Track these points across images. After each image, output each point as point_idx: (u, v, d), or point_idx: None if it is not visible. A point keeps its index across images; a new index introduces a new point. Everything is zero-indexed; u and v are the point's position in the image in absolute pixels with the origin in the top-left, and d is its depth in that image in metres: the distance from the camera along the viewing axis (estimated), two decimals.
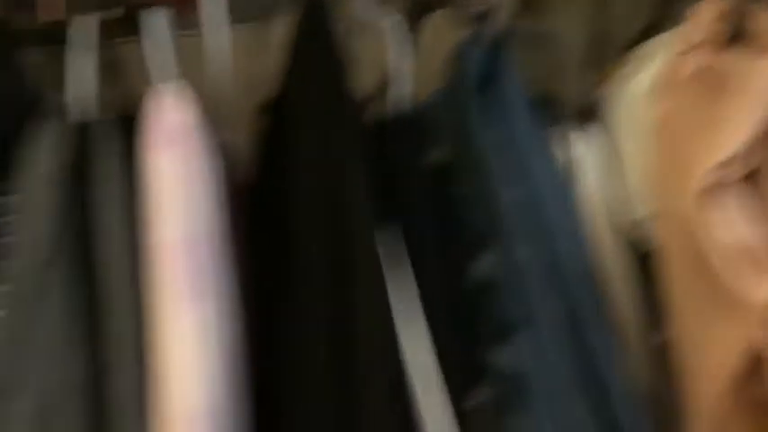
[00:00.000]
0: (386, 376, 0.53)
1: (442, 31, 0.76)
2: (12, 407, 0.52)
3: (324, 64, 0.59)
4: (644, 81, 0.65)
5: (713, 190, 0.53)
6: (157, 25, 0.63)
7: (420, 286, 0.58)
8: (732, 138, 0.52)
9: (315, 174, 0.58)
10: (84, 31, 0.62)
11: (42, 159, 0.58)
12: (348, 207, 0.56)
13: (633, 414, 0.56)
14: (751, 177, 0.54)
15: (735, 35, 0.61)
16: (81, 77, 0.61)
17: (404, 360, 0.54)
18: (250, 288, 0.62)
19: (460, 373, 0.57)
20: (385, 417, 0.52)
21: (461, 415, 0.57)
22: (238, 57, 0.70)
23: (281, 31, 0.68)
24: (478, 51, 0.61)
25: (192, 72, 0.66)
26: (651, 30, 0.79)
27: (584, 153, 0.67)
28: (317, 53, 0.60)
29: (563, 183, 0.62)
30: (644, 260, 0.64)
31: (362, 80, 0.65)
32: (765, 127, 0.53)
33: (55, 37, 0.67)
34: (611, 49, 0.79)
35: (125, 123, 0.62)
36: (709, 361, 0.54)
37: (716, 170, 0.52)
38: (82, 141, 0.59)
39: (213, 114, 0.67)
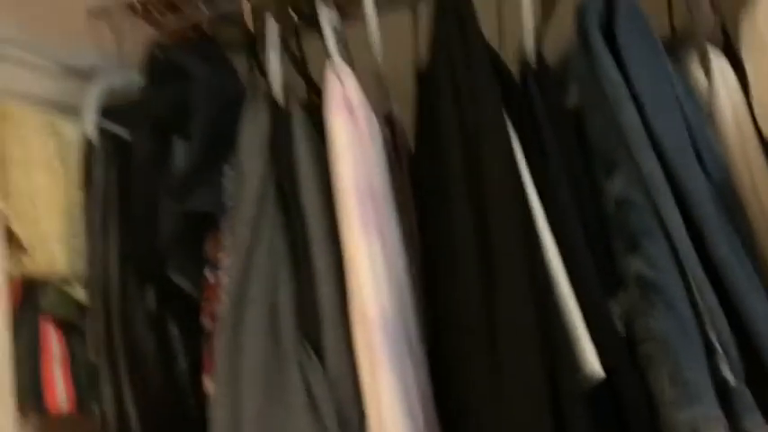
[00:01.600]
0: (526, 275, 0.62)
1: None
2: (245, 315, 0.70)
3: (463, 32, 0.69)
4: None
5: None
6: (330, 19, 0.78)
7: (559, 208, 0.67)
8: None
9: (463, 120, 0.68)
10: (273, 33, 0.78)
11: (253, 135, 0.76)
12: (490, 146, 0.65)
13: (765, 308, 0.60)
14: None
15: None
16: (275, 70, 0.77)
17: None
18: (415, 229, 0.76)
19: (599, 278, 0.65)
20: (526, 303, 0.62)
21: (608, 321, 0.65)
22: (393, 41, 0.83)
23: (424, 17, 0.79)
24: (599, 3, 0.68)
25: (360, 55, 0.80)
26: None
27: (718, 74, 0.70)
28: (456, 24, 0.70)
29: (692, 104, 0.67)
30: None
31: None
32: None
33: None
34: None
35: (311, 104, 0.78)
36: None
37: None
38: (281, 119, 0.76)
39: (379, 89, 0.81)
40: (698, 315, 0.60)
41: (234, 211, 0.75)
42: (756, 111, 0.68)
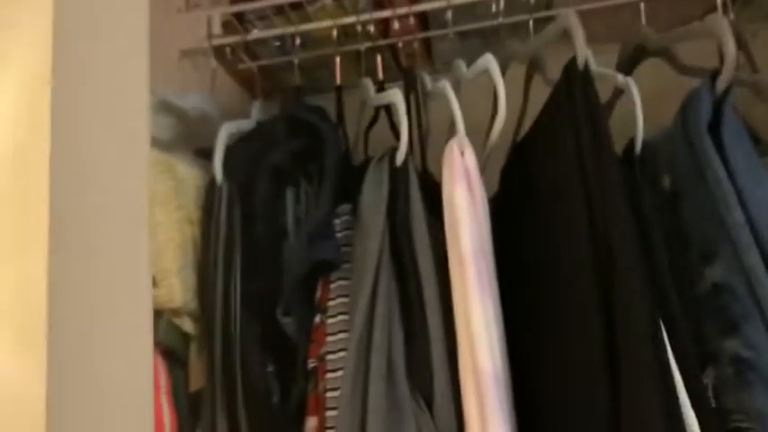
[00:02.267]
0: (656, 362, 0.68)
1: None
2: (371, 360, 0.76)
3: (588, 115, 0.77)
4: None
5: None
6: (444, 88, 0.86)
7: (661, 292, 0.74)
8: None
9: (579, 197, 0.76)
10: (400, 101, 0.86)
11: (375, 192, 0.83)
12: (615, 232, 0.71)
13: None
14: None
15: None
16: (405, 134, 0.85)
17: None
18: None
19: (697, 358, 0.73)
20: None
21: (700, 388, 0.72)
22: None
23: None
24: (710, 98, 0.77)
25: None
26: None
27: None
28: (581, 107, 0.78)
29: None
30: None
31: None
32: None
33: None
34: None
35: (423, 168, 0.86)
36: None
37: None
38: (400, 178, 0.83)
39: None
40: None
41: (357, 263, 0.81)
42: None
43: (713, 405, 0.72)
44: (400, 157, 0.84)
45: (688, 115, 0.78)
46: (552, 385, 0.75)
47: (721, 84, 0.77)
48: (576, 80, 0.76)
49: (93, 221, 0.40)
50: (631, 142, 0.83)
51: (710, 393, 0.73)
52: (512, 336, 0.78)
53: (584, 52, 0.76)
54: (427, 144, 0.99)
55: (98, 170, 0.41)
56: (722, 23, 0.79)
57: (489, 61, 0.82)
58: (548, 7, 1.09)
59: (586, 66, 0.76)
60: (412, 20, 1.24)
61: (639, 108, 0.80)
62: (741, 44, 1.00)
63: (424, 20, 1.18)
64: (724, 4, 0.97)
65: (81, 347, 0.37)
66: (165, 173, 0.91)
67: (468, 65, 0.91)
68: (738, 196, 0.73)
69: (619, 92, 0.91)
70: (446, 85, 0.84)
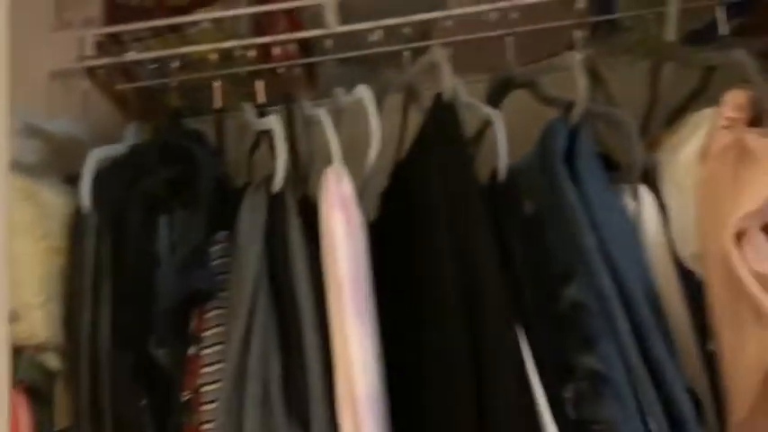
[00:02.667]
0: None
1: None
2: (247, 387, 0.75)
3: (450, 142, 0.81)
4: (693, 148, 0.85)
5: (743, 234, 0.73)
6: (321, 116, 0.88)
7: (522, 310, 0.79)
8: (752, 198, 0.72)
9: (444, 222, 0.79)
10: (279, 128, 0.87)
11: (252, 219, 0.83)
12: (476, 255, 0.76)
13: (690, 404, 0.74)
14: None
15: (759, 116, 0.81)
16: (282, 161, 0.85)
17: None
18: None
19: (556, 372, 0.77)
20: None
21: (560, 401, 0.77)
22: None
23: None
24: (565, 129, 0.83)
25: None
26: (692, 99, 0.99)
27: (647, 205, 0.87)
28: (443, 133, 0.82)
29: (629, 229, 0.82)
30: (697, 287, 0.83)
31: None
32: None
33: None
34: (658, 118, 1.00)
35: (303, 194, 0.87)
36: (742, 366, 0.73)
37: (742, 220, 0.72)
38: (277, 206, 0.84)
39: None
40: (639, 403, 0.73)
41: (232, 291, 0.80)
42: (675, 237, 0.85)
43: (573, 417, 0.77)
44: (277, 184, 0.84)
45: (545, 145, 0.84)
46: (424, 401, 0.77)
47: (575, 116, 0.83)
48: (442, 111, 0.80)
49: None
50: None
51: (570, 406, 0.78)
52: (394, 357, 0.80)
53: (450, 85, 0.80)
54: (312, 169, 1.00)
55: None
56: (574, 59, 0.85)
57: (362, 91, 0.85)
58: (424, 38, 1.13)
59: (453, 98, 0.80)
60: (293, 46, 1.26)
61: (503, 138, 0.85)
62: (598, 78, 1.10)
63: (307, 46, 1.19)
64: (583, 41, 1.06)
65: None
66: (27, 199, 0.87)
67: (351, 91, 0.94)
68: (591, 222, 0.79)
69: (487, 121, 0.97)
70: (322, 113, 0.86)
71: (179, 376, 0.82)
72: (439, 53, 0.83)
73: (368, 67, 1.18)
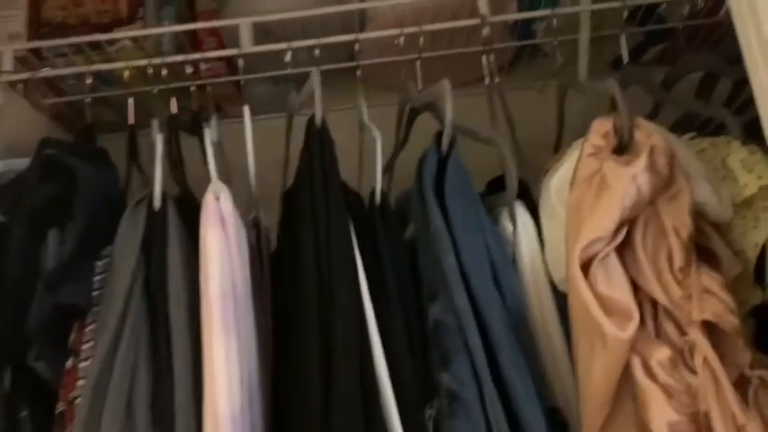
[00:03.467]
0: (357, 385, 0.75)
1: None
2: (105, 404, 0.77)
3: (322, 169, 0.84)
4: (564, 175, 0.88)
5: (589, 260, 0.75)
6: (212, 131, 0.90)
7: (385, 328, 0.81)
8: (598, 225, 0.75)
9: (314, 246, 0.82)
10: (159, 141, 0.89)
11: (127, 235, 0.85)
12: (336, 272, 0.79)
13: (542, 423, 0.77)
14: (619, 250, 0.77)
15: (625, 144, 0.84)
16: (158, 175, 0.87)
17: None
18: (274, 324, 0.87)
19: (419, 389, 0.80)
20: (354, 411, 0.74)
21: (421, 422, 0.79)
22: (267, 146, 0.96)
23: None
24: (434, 157, 0.86)
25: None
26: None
27: (521, 227, 0.90)
28: (316, 162, 0.85)
29: (497, 251, 0.85)
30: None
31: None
32: (621, 218, 0.75)
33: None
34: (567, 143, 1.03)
35: (187, 208, 0.89)
36: (591, 386, 0.75)
37: (587, 247, 0.75)
38: (157, 221, 0.86)
39: (248, 195, 0.93)
40: (488, 422, 0.76)
41: (103, 305, 0.82)
42: (547, 260, 0.87)
43: None
44: (156, 201, 0.86)
45: (420, 171, 0.87)
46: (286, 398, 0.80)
47: (444, 144, 0.86)
48: (312, 136, 0.82)
49: None
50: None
51: (431, 423, 0.80)
52: (282, 374, 0.82)
53: (320, 111, 0.83)
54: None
55: None
56: (445, 88, 0.88)
57: (245, 112, 0.88)
58: (351, 58, 1.16)
59: (323, 123, 0.83)
60: (217, 64, 1.29)
61: (379, 161, 0.88)
62: (502, 103, 1.13)
63: (234, 65, 1.22)
64: (495, 70, 1.09)
65: None
66: None
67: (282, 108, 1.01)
68: (453, 243, 0.81)
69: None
70: (205, 132, 0.88)
71: (56, 388, 0.84)
72: (315, 80, 0.86)
73: (296, 86, 1.21)
